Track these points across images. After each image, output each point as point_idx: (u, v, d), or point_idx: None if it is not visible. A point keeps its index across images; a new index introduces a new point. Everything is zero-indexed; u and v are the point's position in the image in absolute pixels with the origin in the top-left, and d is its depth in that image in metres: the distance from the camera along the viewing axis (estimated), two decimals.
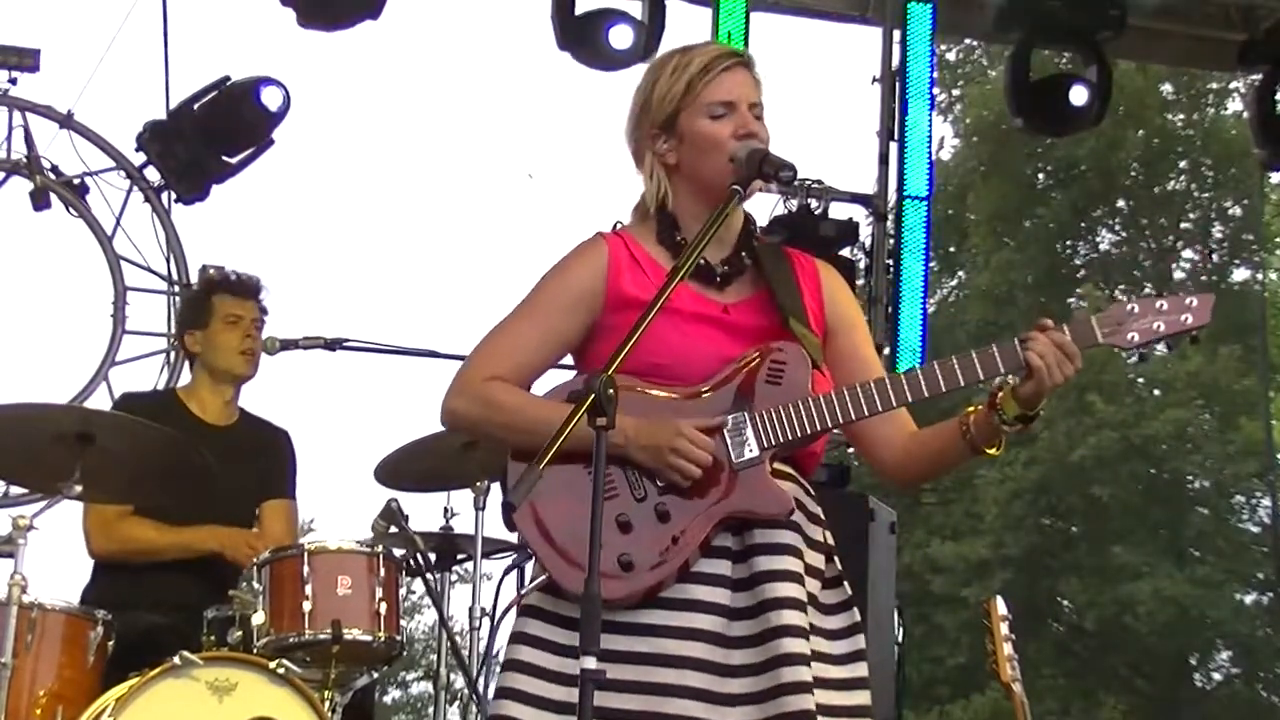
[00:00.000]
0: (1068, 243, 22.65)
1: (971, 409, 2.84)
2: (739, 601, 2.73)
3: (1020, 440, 20.46)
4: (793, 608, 2.70)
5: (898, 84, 7.85)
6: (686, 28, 7.65)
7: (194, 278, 7.29)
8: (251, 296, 5.00)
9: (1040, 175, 23.21)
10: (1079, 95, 7.81)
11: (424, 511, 4.89)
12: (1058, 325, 2.78)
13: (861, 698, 2.81)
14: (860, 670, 2.83)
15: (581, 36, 7.34)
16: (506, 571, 4.53)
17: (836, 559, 2.88)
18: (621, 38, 7.30)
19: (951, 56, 23.29)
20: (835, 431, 2.94)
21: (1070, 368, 2.72)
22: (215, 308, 4.97)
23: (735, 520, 2.75)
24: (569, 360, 2.98)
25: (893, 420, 2.92)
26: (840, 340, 2.96)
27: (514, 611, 2.88)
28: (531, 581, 2.81)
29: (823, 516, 2.88)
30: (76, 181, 7.42)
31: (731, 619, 2.72)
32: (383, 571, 4.28)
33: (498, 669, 2.95)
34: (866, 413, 2.78)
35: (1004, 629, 4.59)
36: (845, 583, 2.88)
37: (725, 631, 2.72)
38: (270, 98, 7.25)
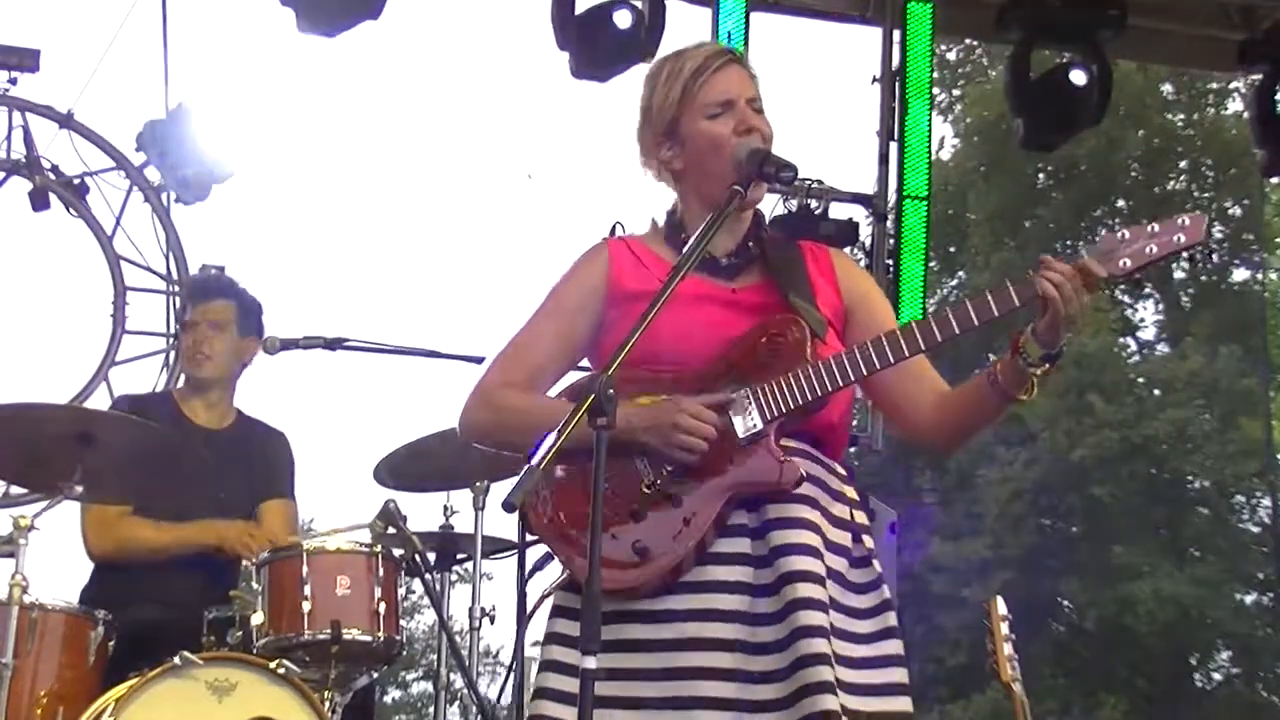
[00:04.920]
0: (1068, 243, 22.63)
1: (998, 360, 2.82)
2: (761, 578, 2.72)
3: (1020, 440, 20.61)
4: (808, 580, 2.70)
5: (897, 84, 7.85)
6: (686, 28, 7.67)
7: None
8: (206, 298, 4.98)
9: (1040, 175, 23.22)
10: (1079, 77, 7.80)
11: (423, 511, 4.90)
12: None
13: (892, 675, 2.78)
14: (890, 648, 2.80)
15: (582, 36, 7.35)
16: (530, 575, 4.53)
17: (866, 538, 2.87)
18: (623, 21, 7.32)
19: (951, 56, 23.30)
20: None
21: (1086, 296, 2.70)
22: (189, 310, 5.02)
23: (745, 494, 2.75)
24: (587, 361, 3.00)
25: (919, 380, 2.92)
26: (860, 314, 2.96)
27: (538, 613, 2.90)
28: (552, 581, 2.83)
29: (852, 496, 2.87)
30: (76, 181, 7.42)
31: (755, 596, 2.72)
32: (382, 572, 4.28)
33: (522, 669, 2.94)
34: (865, 371, 2.76)
35: (1004, 629, 4.59)
36: (875, 561, 2.87)
37: (750, 610, 2.71)
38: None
